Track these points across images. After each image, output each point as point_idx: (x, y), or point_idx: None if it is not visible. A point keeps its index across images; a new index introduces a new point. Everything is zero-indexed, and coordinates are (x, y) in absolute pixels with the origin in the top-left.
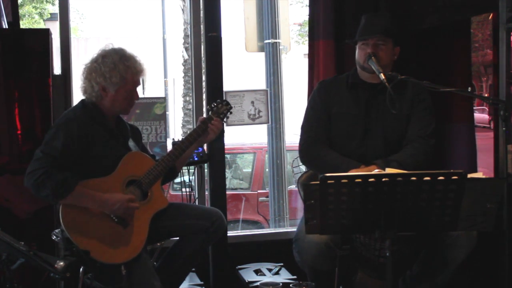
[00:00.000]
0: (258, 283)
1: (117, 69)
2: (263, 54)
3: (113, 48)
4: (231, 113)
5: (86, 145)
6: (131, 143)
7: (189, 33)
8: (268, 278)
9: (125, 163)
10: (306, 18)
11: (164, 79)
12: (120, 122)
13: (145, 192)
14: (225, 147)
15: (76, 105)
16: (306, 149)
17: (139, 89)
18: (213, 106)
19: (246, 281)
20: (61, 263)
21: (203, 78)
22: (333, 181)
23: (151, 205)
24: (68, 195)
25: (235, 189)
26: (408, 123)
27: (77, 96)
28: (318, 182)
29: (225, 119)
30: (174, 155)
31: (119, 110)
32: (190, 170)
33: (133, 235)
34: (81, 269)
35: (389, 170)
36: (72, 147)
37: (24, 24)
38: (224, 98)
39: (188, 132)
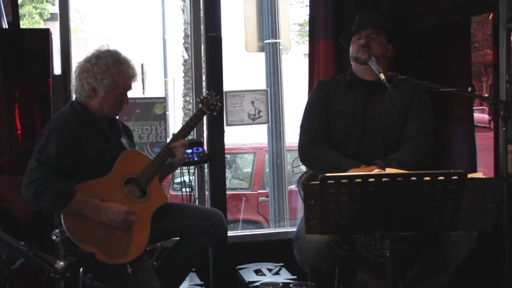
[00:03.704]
0: (258, 283)
1: (110, 72)
2: (263, 54)
3: (108, 49)
4: (220, 104)
5: (79, 148)
6: (124, 140)
7: (189, 33)
8: (268, 278)
9: (121, 162)
10: (306, 18)
11: (164, 79)
12: (111, 120)
13: (144, 189)
14: (225, 147)
15: (64, 109)
16: (306, 148)
17: (133, 92)
18: (202, 98)
19: (246, 281)
20: (61, 263)
21: (203, 78)
22: (333, 181)
23: (150, 202)
24: (67, 205)
25: (235, 189)
26: (406, 120)
27: None
28: (318, 182)
29: (215, 112)
30: (169, 150)
31: (107, 112)
32: (190, 170)
33: (136, 234)
34: (81, 269)
35: (389, 170)
36: (66, 151)
37: (24, 24)
38: (213, 91)
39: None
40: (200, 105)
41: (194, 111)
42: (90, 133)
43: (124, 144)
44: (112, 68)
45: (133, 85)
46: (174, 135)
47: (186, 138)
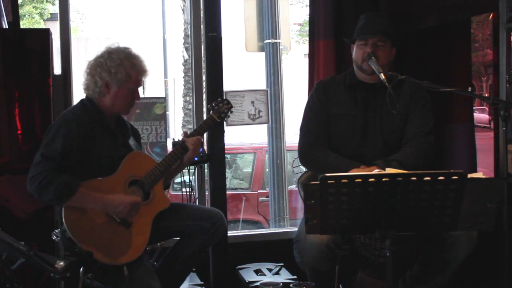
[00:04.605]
0: (258, 283)
1: (123, 66)
2: (263, 54)
3: (119, 46)
4: (231, 112)
5: (86, 145)
6: (131, 142)
7: (189, 33)
8: (268, 278)
9: (127, 163)
10: (306, 18)
11: (164, 79)
12: (120, 121)
13: (147, 192)
14: (225, 147)
15: (75, 105)
16: (306, 150)
17: (140, 90)
18: (213, 105)
19: (246, 281)
20: (61, 263)
21: (203, 78)
22: (333, 181)
23: (153, 206)
24: (71, 198)
25: (235, 189)
26: (407, 122)
27: (77, 96)
28: (318, 182)
29: (226, 119)
30: (176, 155)
31: (119, 109)
32: (190, 170)
33: (136, 236)
34: (81, 269)
35: (389, 170)
36: (72, 148)
37: (24, 24)
38: (225, 99)
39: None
40: (211, 112)
41: (195, 112)
42: (98, 131)
43: (131, 146)
44: (125, 62)
45: (144, 80)
46: (186, 134)
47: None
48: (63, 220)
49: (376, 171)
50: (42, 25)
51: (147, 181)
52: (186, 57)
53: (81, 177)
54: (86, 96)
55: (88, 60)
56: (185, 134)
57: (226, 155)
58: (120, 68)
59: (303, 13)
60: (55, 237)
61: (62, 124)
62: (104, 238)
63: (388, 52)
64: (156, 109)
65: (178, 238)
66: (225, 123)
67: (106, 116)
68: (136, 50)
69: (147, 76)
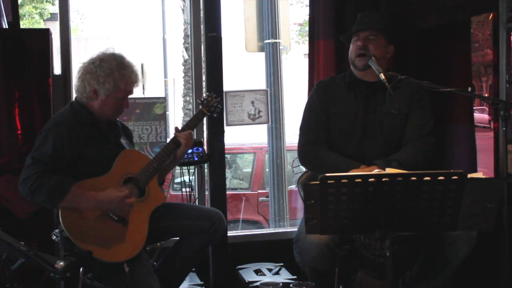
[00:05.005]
0: (258, 283)
1: (112, 76)
2: (263, 54)
3: (113, 53)
4: (220, 105)
5: (77, 147)
6: (123, 140)
7: (189, 33)
8: (268, 278)
9: (120, 161)
10: (306, 18)
11: (164, 79)
12: (111, 121)
13: (143, 189)
14: (225, 147)
15: (64, 108)
16: (306, 150)
17: (137, 92)
18: (203, 99)
19: (246, 281)
20: (61, 263)
21: (203, 78)
22: (333, 181)
23: (149, 202)
24: (64, 198)
25: (235, 189)
26: (407, 121)
27: None
28: (318, 182)
29: (215, 114)
30: (169, 151)
31: (107, 115)
32: (190, 170)
33: (134, 233)
34: (81, 269)
35: (389, 170)
36: (62, 150)
37: (24, 24)
38: (213, 93)
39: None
40: (200, 107)
41: (195, 112)
42: (89, 132)
43: (123, 145)
44: (115, 72)
45: (135, 90)
46: (177, 129)
47: None
48: (60, 220)
49: (376, 171)
50: (42, 25)
51: (142, 178)
52: (186, 57)
53: (76, 178)
54: (76, 98)
55: (82, 62)
56: (176, 129)
57: (226, 155)
58: (108, 78)
59: (303, 13)
60: (55, 237)
61: (51, 127)
62: (102, 236)
63: (381, 47)
64: (156, 109)
65: (178, 238)
66: (225, 123)
67: (96, 117)
68: (130, 58)
69: (138, 86)
